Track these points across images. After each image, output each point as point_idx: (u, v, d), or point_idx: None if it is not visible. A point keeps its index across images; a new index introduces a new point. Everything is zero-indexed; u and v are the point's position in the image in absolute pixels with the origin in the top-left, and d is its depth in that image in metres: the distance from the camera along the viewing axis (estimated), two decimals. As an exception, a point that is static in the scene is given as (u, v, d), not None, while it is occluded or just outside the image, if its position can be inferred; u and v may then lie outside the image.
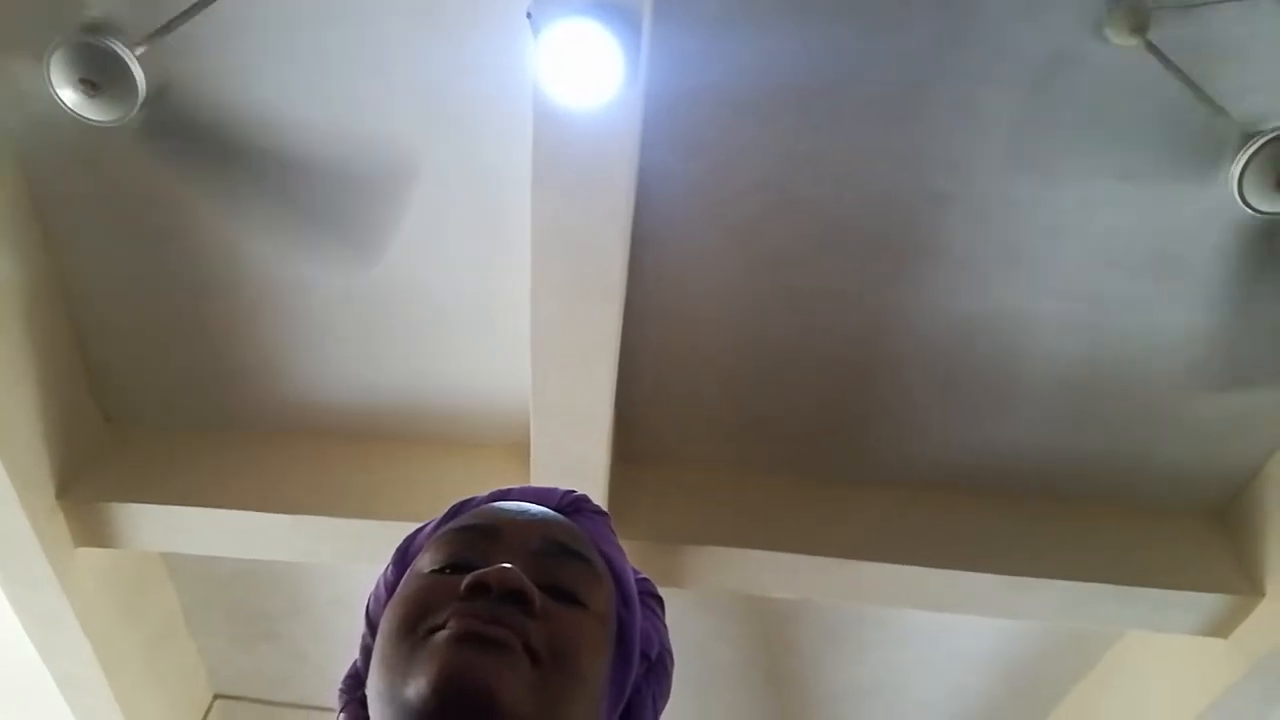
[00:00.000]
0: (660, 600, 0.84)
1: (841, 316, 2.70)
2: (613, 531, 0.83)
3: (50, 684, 3.26)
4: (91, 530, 2.95)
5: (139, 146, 2.19)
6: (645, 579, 0.84)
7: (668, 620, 0.86)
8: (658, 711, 0.81)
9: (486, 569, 0.67)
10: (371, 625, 0.78)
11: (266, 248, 2.64)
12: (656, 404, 2.95)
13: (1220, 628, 2.93)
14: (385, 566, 0.82)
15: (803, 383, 2.87)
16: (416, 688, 0.63)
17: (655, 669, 0.81)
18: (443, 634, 0.64)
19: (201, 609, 3.72)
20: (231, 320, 2.83)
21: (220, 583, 3.58)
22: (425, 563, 0.74)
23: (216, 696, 4.03)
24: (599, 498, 2.66)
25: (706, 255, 2.60)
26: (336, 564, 3.21)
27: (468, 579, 0.67)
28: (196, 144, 2.24)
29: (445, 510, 0.83)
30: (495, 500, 0.82)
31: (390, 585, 0.79)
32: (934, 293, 2.63)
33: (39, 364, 2.75)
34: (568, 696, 0.67)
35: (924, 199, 2.44)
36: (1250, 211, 2.16)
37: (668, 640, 0.83)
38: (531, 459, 2.70)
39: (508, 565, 0.68)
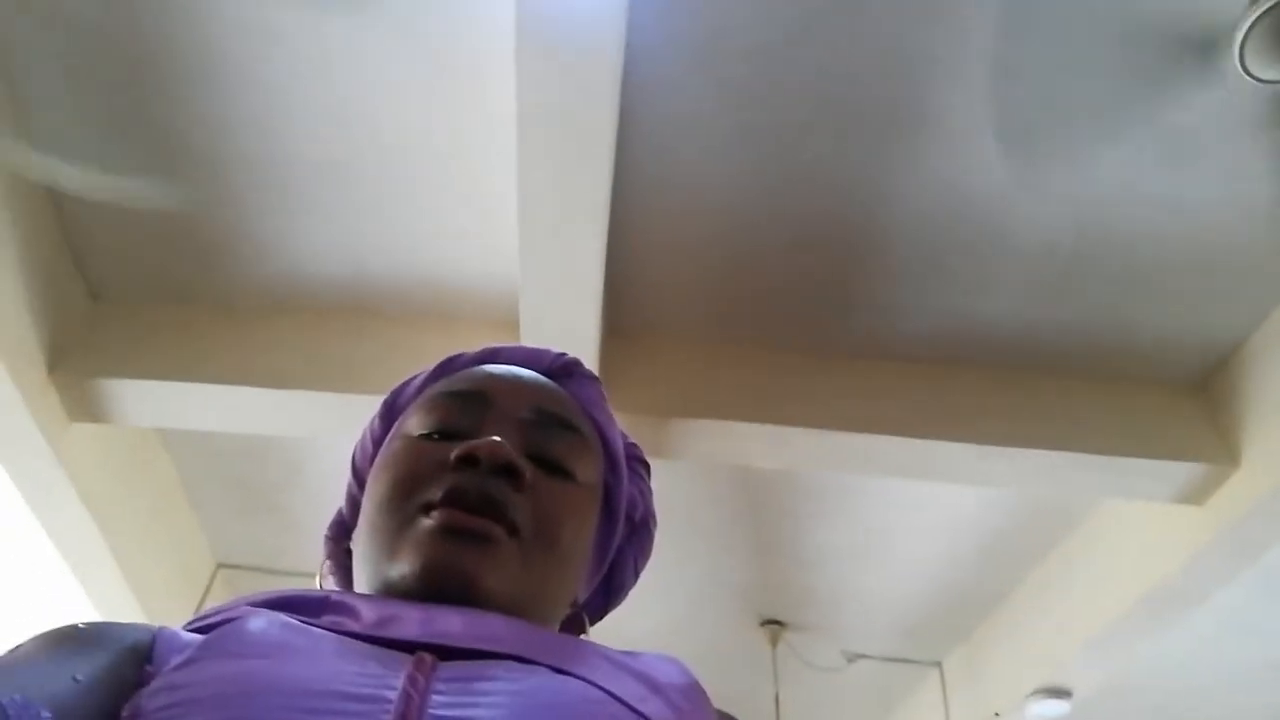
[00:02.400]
0: (646, 465, 0.86)
1: (831, 185, 2.67)
2: (603, 397, 0.83)
3: (57, 557, 3.34)
4: (84, 406, 2.96)
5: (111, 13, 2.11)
6: (632, 444, 0.85)
7: (655, 486, 0.88)
8: (638, 571, 0.84)
9: (477, 442, 0.67)
10: (358, 476, 0.79)
11: (250, 121, 2.58)
12: (646, 276, 2.94)
13: (1195, 495, 3.01)
14: (371, 418, 0.82)
15: (791, 253, 2.85)
16: (401, 571, 0.64)
17: (638, 531, 0.83)
18: (429, 523, 0.65)
19: (200, 481, 3.78)
20: (213, 194, 2.78)
21: (217, 456, 3.63)
22: (414, 425, 0.74)
23: (220, 566, 4.14)
24: (589, 372, 2.67)
25: (696, 125, 2.55)
26: (327, 437, 3.24)
27: (458, 451, 0.67)
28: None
29: (434, 365, 0.82)
30: (485, 360, 0.81)
31: (376, 439, 0.80)
32: (925, 162, 2.59)
33: (21, 243, 2.71)
34: (550, 568, 0.69)
35: (919, 64, 2.38)
36: (1251, 80, 2.12)
37: (651, 503, 0.85)
38: (521, 332, 2.71)
39: (498, 439, 0.68)
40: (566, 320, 2.63)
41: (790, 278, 2.91)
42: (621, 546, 0.81)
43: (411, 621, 0.59)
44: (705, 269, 2.92)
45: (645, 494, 0.84)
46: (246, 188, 2.76)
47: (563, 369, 0.82)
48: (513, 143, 2.29)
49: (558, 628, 0.73)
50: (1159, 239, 2.72)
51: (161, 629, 0.59)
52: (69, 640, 0.55)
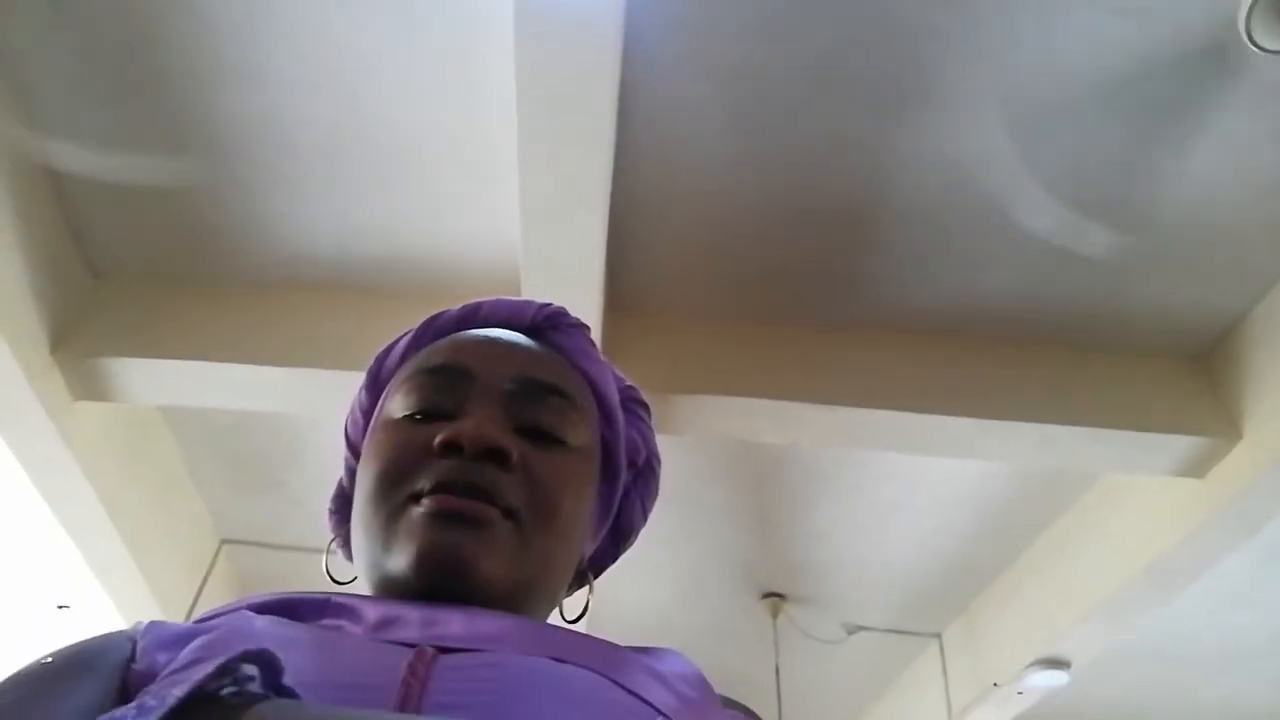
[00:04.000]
0: (646, 406, 0.83)
1: (832, 161, 2.66)
2: (592, 344, 0.80)
3: (62, 535, 3.35)
4: (87, 384, 2.97)
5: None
6: (630, 386, 0.82)
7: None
8: (646, 512, 0.82)
9: (460, 426, 0.66)
10: (352, 448, 0.79)
11: (245, 99, 2.57)
12: (648, 254, 2.93)
13: (1196, 469, 3.02)
14: (358, 389, 0.80)
15: (792, 229, 2.85)
16: (397, 563, 0.63)
17: (643, 473, 0.82)
18: (419, 511, 0.64)
19: (203, 459, 3.80)
20: (212, 173, 2.78)
21: (220, 433, 3.64)
22: (396, 406, 0.72)
23: (223, 541, 4.16)
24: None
25: (696, 103, 2.53)
26: (327, 414, 3.25)
27: (440, 438, 0.66)
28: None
29: (415, 327, 0.80)
30: (467, 318, 0.79)
31: (365, 410, 0.78)
32: (926, 136, 2.58)
33: (21, 222, 2.71)
34: (551, 543, 0.68)
35: (919, 37, 2.37)
36: (1256, 50, 2.11)
37: (654, 444, 0.83)
38: (523, 310, 2.70)
39: (480, 421, 0.66)
40: (568, 297, 2.58)
41: (792, 253, 2.91)
42: (628, 490, 0.80)
43: (412, 624, 0.58)
44: (707, 245, 2.92)
45: (646, 436, 0.82)
46: (247, 167, 2.75)
47: (547, 320, 0.79)
48: (513, 124, 2.28)
49: (564, 592, 0.73)
50: (1161, 211, 2.71)
51: (149, 625, 0.58)
52: (51, 680, 0.53)
